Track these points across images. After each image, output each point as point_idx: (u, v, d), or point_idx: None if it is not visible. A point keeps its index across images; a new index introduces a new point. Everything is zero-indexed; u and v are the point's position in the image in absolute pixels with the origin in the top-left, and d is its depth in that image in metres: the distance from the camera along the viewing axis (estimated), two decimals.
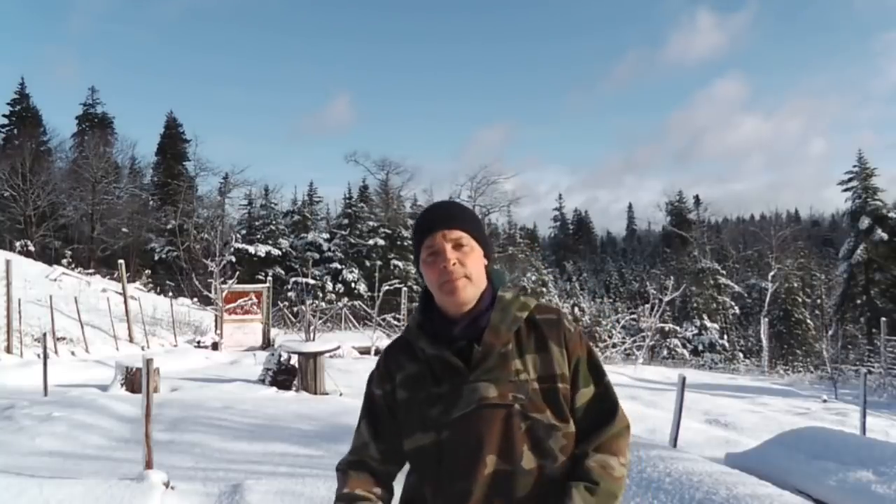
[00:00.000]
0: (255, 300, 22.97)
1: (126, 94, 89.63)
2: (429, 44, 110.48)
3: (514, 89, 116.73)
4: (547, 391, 1.45)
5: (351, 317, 28.20)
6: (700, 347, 35.80)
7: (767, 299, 38.22)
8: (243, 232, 47.31)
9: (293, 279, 44.04)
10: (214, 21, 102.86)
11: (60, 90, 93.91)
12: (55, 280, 25.48)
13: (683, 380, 6.88)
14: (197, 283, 27.61)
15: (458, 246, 1.49)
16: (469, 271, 1.47)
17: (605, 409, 1.50)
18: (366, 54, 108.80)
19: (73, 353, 16.51)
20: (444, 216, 1.52)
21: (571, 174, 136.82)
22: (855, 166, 34.25)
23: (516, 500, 1.41)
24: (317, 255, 46.87)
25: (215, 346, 20.09)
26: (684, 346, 35.55)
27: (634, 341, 26.68)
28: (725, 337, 37.91)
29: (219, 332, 21.61)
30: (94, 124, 51.87)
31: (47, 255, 37.95)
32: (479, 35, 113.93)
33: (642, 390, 13.69)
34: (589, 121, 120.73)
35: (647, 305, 27.99)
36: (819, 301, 40.37)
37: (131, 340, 19.69)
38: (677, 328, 36.27)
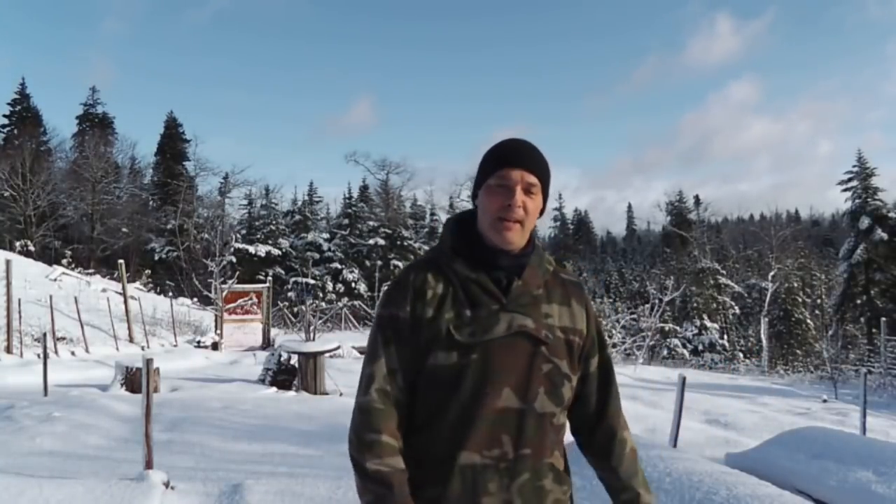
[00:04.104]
0: (255, 300, 22.96)
1: (128, 95, 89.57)
2: (447, 46, 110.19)
3: (530, 92, 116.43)
4: (566, 342, 1.52)
5: (351, 317, 28.22)
6: (700, 347, 35.79)
7: (767, 299, 38.18)
8: (243, 232, 47.31)
9: (293, 279, 44.08)
10: (237, 26, 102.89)
11: (61, 90, 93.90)
12: (55, 280, 25.46)
13: (683, 380, 6.89)
14: (197, 283, 27.61)
15: (528, 191, 1.50)
16: (526, 218, 1.51)
17: (611, 378, 1.63)
18: (383, 57, 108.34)
19: (73, 353, 16.49)
20: (530, 157, 1.52)
21: (582, 176, 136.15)
22: (855, 166, 34.13)
23: (522, 439, 1.44)
24: (317, 255, 46.88)
25: (215, 346, 20.09)
26: (684, 346, 35.56)
27: (634, 341, 26.70)
28: (725, 337, 37.89)
29: (219, 332, 21.60)
30: (95, 124, 51.86)
31: (47, 255, 37.93)
32: (496, 39, 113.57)
33: (642, 390, 13.68)
34: (603, 123, 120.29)
35: (647, 305, 28.03)
36: (819, 301, 40.36)
37: (131, 340, 19.67)
38: (677, 328, 36.28)
